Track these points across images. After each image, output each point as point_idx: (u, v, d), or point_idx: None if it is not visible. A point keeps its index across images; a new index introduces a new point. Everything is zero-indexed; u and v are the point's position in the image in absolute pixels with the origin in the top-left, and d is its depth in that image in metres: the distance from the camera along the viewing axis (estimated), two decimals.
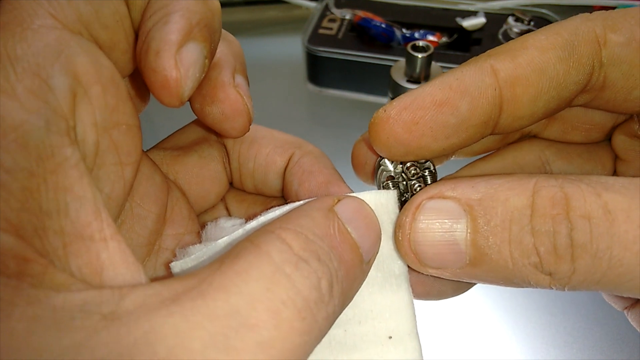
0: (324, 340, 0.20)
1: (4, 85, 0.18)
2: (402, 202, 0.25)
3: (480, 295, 0.50)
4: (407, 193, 0.25)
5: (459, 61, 0.69)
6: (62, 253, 0.18)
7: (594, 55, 0.22)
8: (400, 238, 0.22)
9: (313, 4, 0.81)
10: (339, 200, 0.22)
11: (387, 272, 0.24)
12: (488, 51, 0.22)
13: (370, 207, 0.23)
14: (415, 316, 0.24)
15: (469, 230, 0.20)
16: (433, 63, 0.57)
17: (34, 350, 0.15)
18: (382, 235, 0.24)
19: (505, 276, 0.20)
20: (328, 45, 0.68)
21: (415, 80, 0.57)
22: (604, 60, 0.22)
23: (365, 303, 0.24)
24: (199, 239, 0.28)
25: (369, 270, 0.23)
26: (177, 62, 0.21)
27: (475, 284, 0.25)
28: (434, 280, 0.25)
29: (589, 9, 0.87)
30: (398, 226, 0.22)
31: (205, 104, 0.25)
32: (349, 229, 0.21)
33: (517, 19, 0.68)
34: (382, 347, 0.24)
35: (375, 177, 0.26)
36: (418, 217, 0.21)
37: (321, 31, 0.71)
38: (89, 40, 0.21)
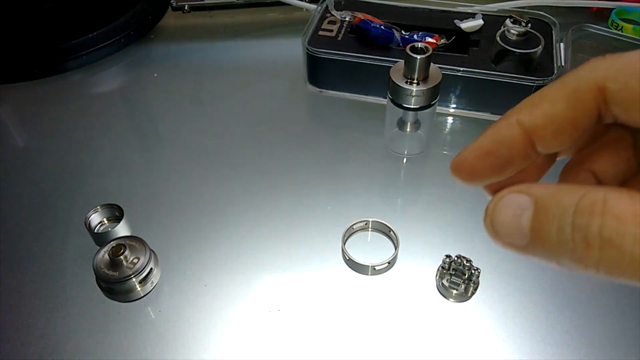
0: None
1: None
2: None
3: (478, 295, 0.51)
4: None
5: (458, 62, 0.70)
6: None
7: (598, 99, 0.26)
8: (485, 218, 0.27)
9: (313, 6, 0.81)
10: None
11: None
12: (517, 105, 0.27)
13: None
14: None
15: (531, 218, 0.25)
16: (432, 64, 0.58)
17: None
18: None
19: (554, 257, 0.24)
20: (328, 47, 0.68)
21: (414, 82, 0.57)
22: (607, 101, 0.26)
23: None
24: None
25: None
26: None
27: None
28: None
29: (586, 10, 0.88)
30: (485, 210, 0.27)
31: None
32: None
33: (515, 21, 0.69)
34: None
35: None
36: (498, 204, 0.27)
37: (321, 33, 0.71)
38: None
